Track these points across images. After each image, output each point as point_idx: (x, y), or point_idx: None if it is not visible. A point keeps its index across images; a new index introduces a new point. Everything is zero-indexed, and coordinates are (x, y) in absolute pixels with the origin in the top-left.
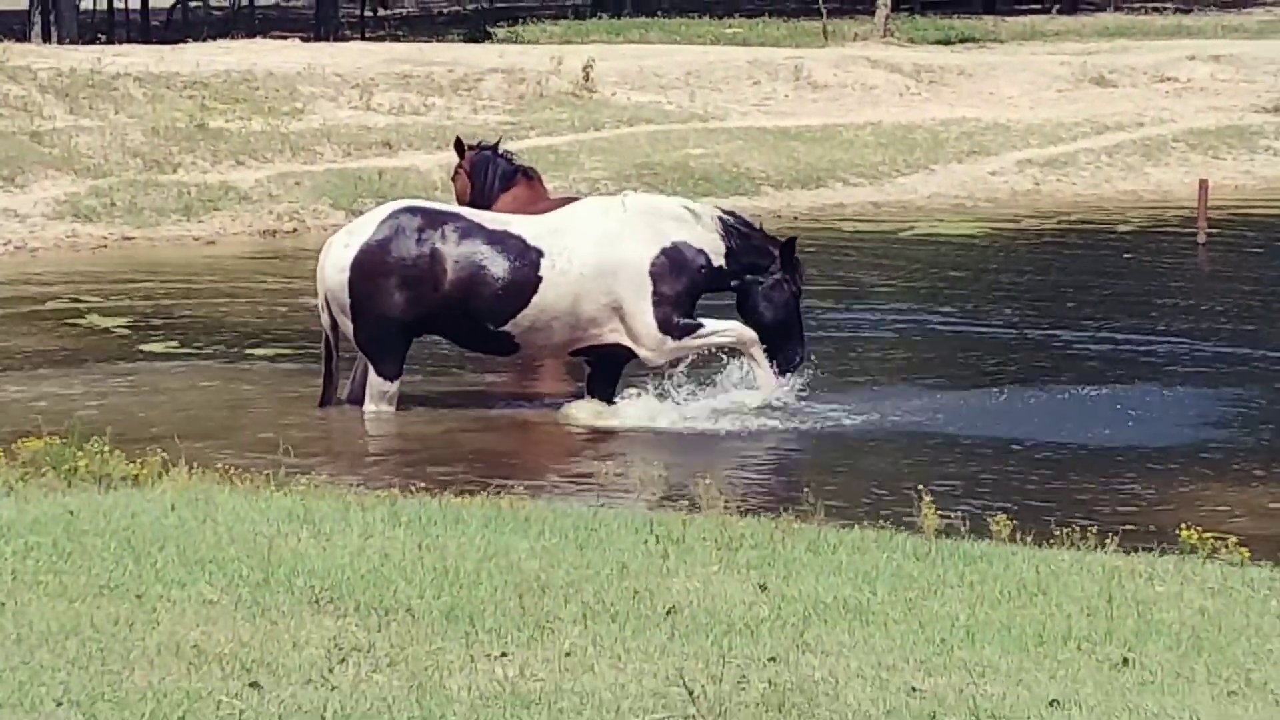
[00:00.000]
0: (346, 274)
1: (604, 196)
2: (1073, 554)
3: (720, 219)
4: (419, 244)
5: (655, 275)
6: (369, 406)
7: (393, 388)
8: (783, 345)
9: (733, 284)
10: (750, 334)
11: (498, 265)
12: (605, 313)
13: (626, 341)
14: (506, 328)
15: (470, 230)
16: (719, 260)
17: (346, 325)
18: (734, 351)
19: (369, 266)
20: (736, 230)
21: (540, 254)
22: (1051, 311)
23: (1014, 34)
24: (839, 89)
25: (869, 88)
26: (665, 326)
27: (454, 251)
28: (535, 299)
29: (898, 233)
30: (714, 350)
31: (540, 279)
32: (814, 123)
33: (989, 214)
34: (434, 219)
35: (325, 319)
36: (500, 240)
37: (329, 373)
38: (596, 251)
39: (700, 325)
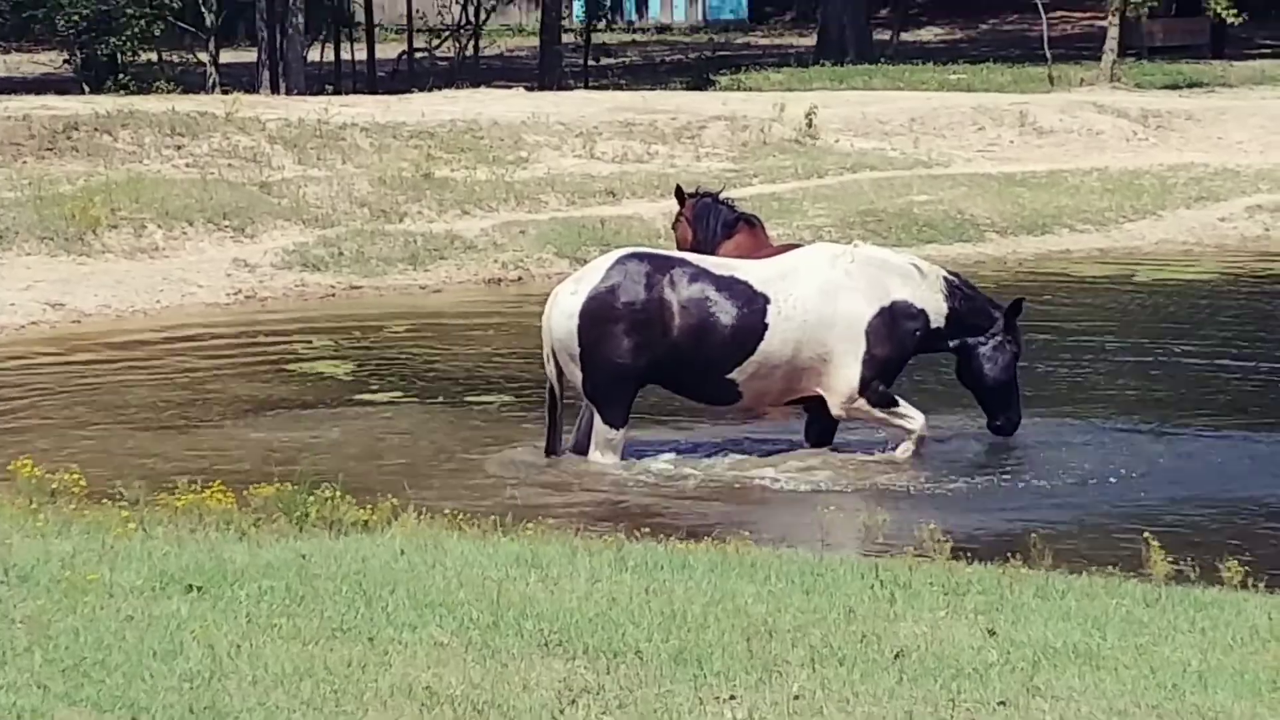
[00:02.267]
0: (576, 321)
1: (834, 244)
2: None
3: (946, 279)
4: (648, 289)
5: (871, 333)
6: (594, 454)
7: (619, 435)
8: (1004, 406)
9: (951, 344)
10: (924, 430)
11: (726, 310)
12: (818, 363)
13: (822, 390)
14: (733, 374)
15: (698, 275)
16: (938, 321)
17: (575, 373)
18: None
19: (599, 313)
20: (961, 292)
21: (767, 300)
22: None
23: (1243, 78)
24: (1065, 134)
25: (1095, 133)
26: (865, 386)
27: (683, 296)
28: (761, 345)
29: (1125, 278)
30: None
31: (767, 325)
32: (1039, 168)
33: (1218, 260)
34: (661, 264)
35: (551, 368)
36: (728, 285)
37: (554, 422)
38: (820, 301)
39: (895, 402)
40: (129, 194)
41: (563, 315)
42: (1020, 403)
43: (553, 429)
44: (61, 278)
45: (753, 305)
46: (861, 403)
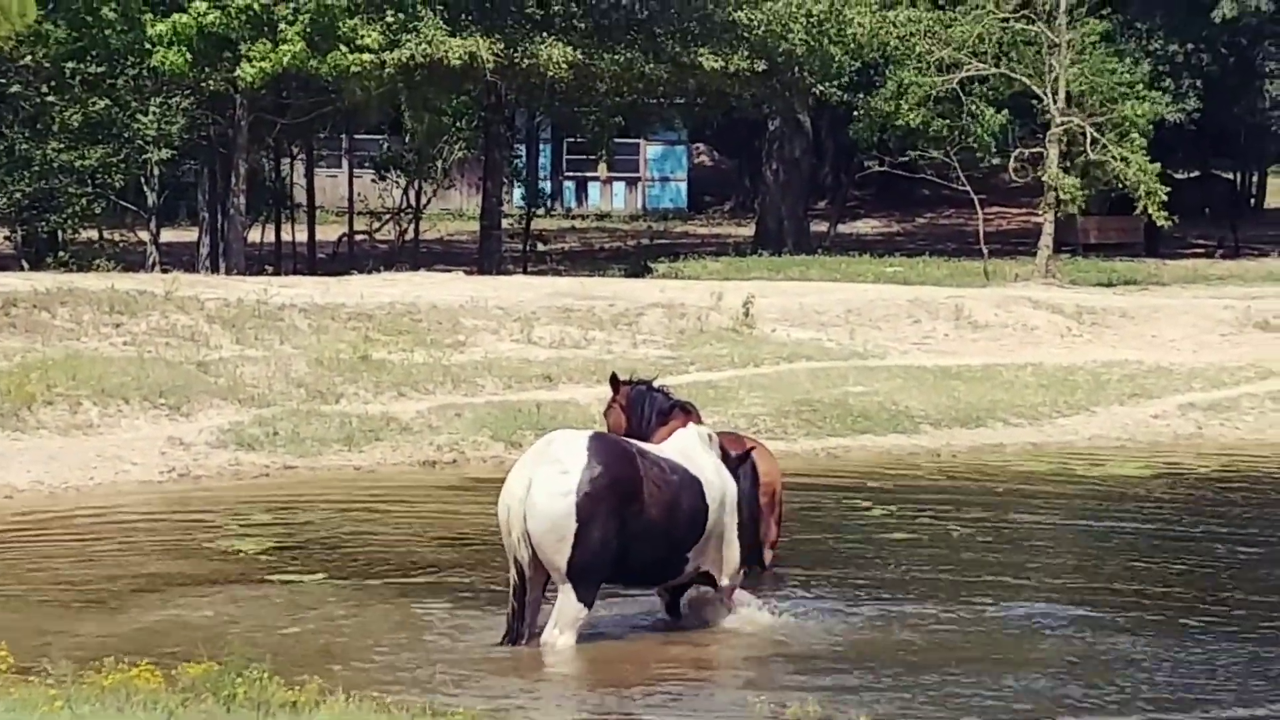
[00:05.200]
0: (573, 499)
1: (690, 428)
2: None
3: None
4: (631, 468)
5: (738, 508)
6: (556, 635)
7: (586, 615)
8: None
9: None
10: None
11: (684, 490)
12: (718, 540)
13: (715, 565)
14: (690, 552)
15: (654, 456)
16: None
17: (560, 553)
18: None
19: (596, 492)
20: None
21: (700, 480)
22: (1221, 559)
23: (1176, 277)
24: (1000, 329)
25: (1030, 328)
26: (742, 560)
27: (653, 475)
28: (708, 523)
29: (1059, 474)
30: None
31: (708, 504)
32: (974, 362)
33: (1150, 457)
34: (627, 446)
35: (523, 552)
36: (673, 467)
37: (522, 609)
38: (717, 481)
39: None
40: (66, 371)
41: (554, 495)
42: None
43: (520, 617)
44: None
45: (696, 485)
46: (739, 575)
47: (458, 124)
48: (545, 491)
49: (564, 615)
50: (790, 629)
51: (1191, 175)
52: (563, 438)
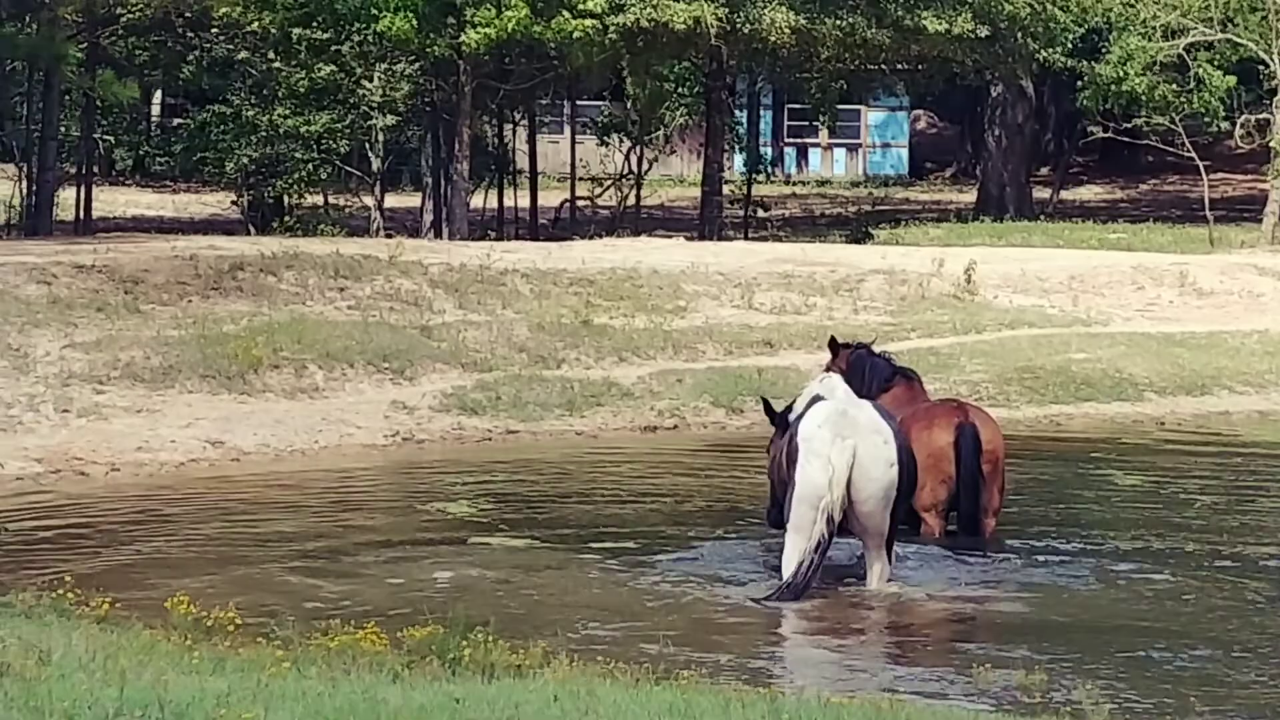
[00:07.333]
0: (896, 466)
1: (834, 378)
2: None
3: None
4: (898, 435)
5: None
6: (884, 584)
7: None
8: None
9: None
10: None
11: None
12: None
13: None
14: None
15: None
16: None
17: (886, 511)
18: None
19: (905, 458)
20: None
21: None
22: None
23: None
24: (1225, 296)
25: (1256, 295)
26: None
27: (904, 443)
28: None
29: None
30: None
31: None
32: (1199, 329)
33: None
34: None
35: (838, 513)
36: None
37: (820, 564)
38: None
39: None
40: (291, 334)
41: (884, 464)
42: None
43: (817, 571)
44: (222, 415)
45: (905, 443)
46: None
47: (679, 89)
48: (876, 460)
49: (888, 563)
50: (1016, 598)
51: None
52: (858, 408)
